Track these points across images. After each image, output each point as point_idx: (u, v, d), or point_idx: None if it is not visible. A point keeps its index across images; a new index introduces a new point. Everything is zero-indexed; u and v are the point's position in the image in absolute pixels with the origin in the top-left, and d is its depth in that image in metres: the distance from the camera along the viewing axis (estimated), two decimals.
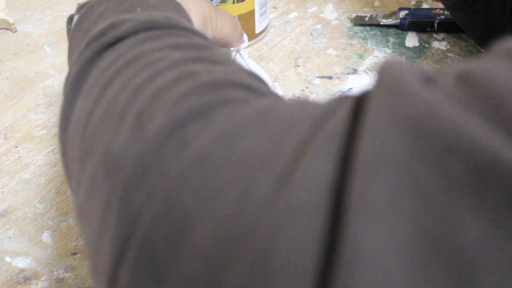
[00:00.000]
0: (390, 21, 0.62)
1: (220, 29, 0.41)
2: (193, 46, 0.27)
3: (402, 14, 0.62)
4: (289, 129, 0.19)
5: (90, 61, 0.27)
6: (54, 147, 0.50)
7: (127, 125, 0.22)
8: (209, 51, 0.27)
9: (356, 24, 0.64)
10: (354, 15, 0.64)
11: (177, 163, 0.19)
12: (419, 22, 0.62)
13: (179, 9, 0.33)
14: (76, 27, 0.33)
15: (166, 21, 0.28)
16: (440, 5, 0.66)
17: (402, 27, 0.62)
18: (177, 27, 0.29)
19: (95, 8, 0.32)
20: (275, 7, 0.67)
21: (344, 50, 0.60)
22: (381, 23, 0.62)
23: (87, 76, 0.27)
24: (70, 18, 0.36)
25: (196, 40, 0.28)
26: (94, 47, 0.27)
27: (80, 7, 0.34)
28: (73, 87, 0.29)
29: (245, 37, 0.49)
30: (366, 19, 0.63)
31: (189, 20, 0.33)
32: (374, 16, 0.64)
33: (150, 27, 0.28)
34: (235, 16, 0.57)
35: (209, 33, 0.40)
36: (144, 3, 0.31)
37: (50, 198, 0.46)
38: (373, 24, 0.63)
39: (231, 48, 0.47)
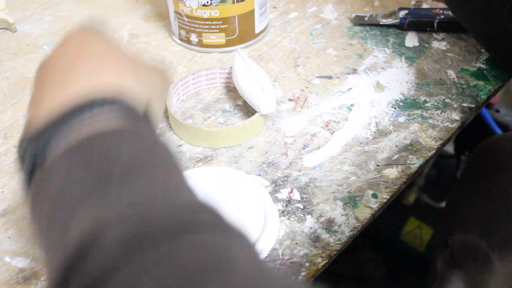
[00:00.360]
0: (390, 21, 0.62)
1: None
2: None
3: (402, 14, 0.62)
4: None
5: None
6: None
7: None
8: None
9: (355, 24, 0.64)
10: (353, 15, 0.64)
11: None
12: (419, 22, 0.62)
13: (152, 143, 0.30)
14: (35, 194, 0.29)
15: (157, 215, 0.25)
16: (440, 5, 0.66)
17: (402, 26, 0.62)
18: (169, 220, 0.25)
19: (53, 173, 0.28)
20: (274, 7, 0.67)
21: (343, 50, 0.60)
22: (381, 23, 0.62)
23: None
24: (21, 148, 0.31)
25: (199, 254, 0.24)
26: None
27: (29, 144, 0.30)
28: None
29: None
30: (366, 18, 0.63)
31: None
32: (374, 16, 0.64)
33: (141, 235, 0.24)
34: (234, 16, 0.57)
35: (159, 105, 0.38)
36: (118, 162, 0.27)
37: None
38: (372, 24, 0.63)
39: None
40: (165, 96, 0.38)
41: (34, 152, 0.30)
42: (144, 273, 0.22)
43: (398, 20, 0.62)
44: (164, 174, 0.28)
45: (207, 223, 0.25)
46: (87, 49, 0.35)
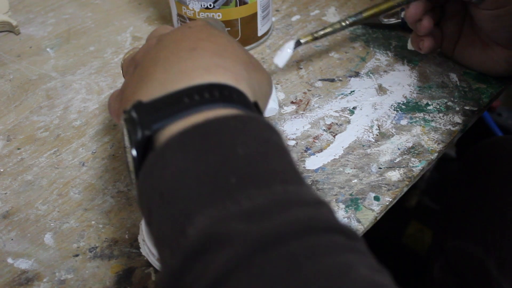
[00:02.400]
0: (392, 21, 0.62)
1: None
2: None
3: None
4: None
5: None
6: (56, 149, 0.50)
7: None
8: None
9: (358, 24, 0.64)
10: None
11: None
12: None
13: (268, 135, 0.29)
14: (145, 177, 0.28)
15: (279, 223, 0.24)
16: None
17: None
18: (294, 228, 0.24)
19: (167, 157, 0.27)
20: (277, 10, 0.67)
21: (346, 53, 0.61)
22: (383, 22, 0.62)
23: None
24: (129, 117, 0.30)
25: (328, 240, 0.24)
26: (199, 284, 0.23)
27: (140, 115, 0.30)
28: None
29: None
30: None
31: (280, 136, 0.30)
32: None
33: (263, 245, 0.23)
34: (237, 19, 0.57)
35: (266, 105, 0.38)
36: (235, 163, 0.26)
37: (52, 199, 0.46)
38: (375, 23, 0.63)
39: None
40: (267, 99, 0.38)
41: (149, 123, 0.29)
42: (261, 276, 0.22)
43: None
44: (281, 181, 0.27)
45: (325, 222, 0.25)
46: (209, 35, 0.35)
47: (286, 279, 0.22)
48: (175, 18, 0.60)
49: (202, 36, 0.35)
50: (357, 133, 0.51)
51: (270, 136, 0.29)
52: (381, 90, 0.56)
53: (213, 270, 0.23)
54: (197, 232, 0.24)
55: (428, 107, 0.53)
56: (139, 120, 0.29)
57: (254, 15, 0.58)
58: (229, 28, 0.58)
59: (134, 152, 0.29)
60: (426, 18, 0.52)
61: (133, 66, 0.37)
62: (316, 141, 0.50)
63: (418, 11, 0.52)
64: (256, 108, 0.32)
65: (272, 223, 0.24)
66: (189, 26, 0.37)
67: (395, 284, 0.24)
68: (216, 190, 0.25)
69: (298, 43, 0.53)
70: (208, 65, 0.32)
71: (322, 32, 0.53)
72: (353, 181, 0.46)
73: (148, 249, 0.38)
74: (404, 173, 0.47)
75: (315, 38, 0.53)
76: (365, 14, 0.53)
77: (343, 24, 0.53)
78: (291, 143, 0.50)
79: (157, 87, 0.31)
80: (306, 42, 0.53)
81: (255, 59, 0.37)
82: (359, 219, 0.43)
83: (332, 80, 0.57)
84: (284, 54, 0.52)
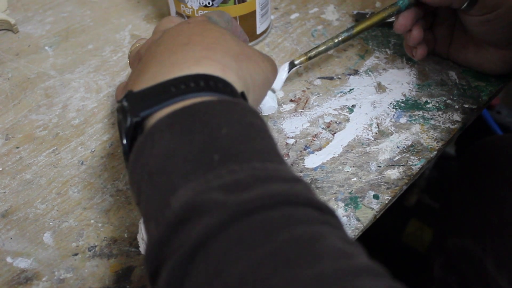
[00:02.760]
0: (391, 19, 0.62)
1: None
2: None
3: None
4: None
5: (181, 270, 0.25)
6: (55, 147, 0.50)
7: None
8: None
9: (357, 21, 0.64)
10: (355, 12, 0.65)
11: None
12: None
13: (252, 121, 0.30)
14: (136, 157, 0.30)
15: (257, 195, 0.25)
16: None
17: None
18: (269, 199, 0.25)
19: (156, 138, 0.29)
20: (276, 8, 0.67)
21: (345, 51, 0.60)
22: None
23: None
24: (121, 105, 0.32)
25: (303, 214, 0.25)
26: (181, 251, 0.25)
27: (130, 103, 0.32)
28: None
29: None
30: (367, 16, 0.63)
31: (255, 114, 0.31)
32: (375, 13, 0.63)
33: (241, 214, 0.25)
34: (236, 17, 0.57)
35: (265, 95, 0.40)
36: (218, 142, 0.28)
37: (51, 198, 0.46)
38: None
39: None
40: (264, 89, 0.39)
41: (137, 110, 0.31)
42: (239, 242, 0.24)
43: None
44: (262, 160, 0.29)
45: (301, 197, 0.26)
46: (204, 30, 0.37)
47: (261, 245, 0.23)
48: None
49: (196, 31, 0.37)
50: (356, 131, 0.51)
51: (254, 120, 0.31)
52: (380, 88, 0.55)
53: (193, 237, 0.24)
54: (180, 204, 0.26)
55: (427, 105, 0.53)
56: (129, 108, 0.31)
57: (253, 13, 0.58)
58: None
59: (124, 140, 0.31)
60: (416, 28, 0.52)
61: (138, 60, 0.40)
62: (315, 139, 0.50)
63: (408, 21, 0.51)
64: (243, 98, 0.34)
65: (250, 194, 0.25)
66: (188, 22, 0.39)
67: (368, 257, 0.25)
68: (199, 166, 0.27)
69: (292, 65, 0.53)
70: (197, 58, 0.34)
71: (315, 52, 0.53)
72: (352, 180, 0.46)
73: None
74: (403, 171, 0.47)
75: (309, 58, 0.53)
76: (356, 29, 0.53)
77: (336, 40, 0.53)
78: (290, 141, 0.50)
79: (149, 79, 0.33)
80: (301, 63, 0.53)
81: (252, 50, 0.39)
82: (359, 217, 0.43)
83: (331, 78, 0.57)
84: (280, 78, 0.52)
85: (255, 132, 0.30)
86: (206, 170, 0.27)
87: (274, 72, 0.41)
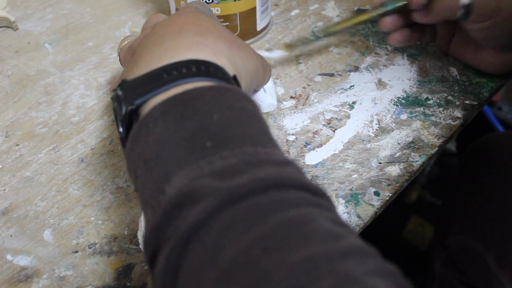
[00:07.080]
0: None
1: (262, 80, 0.43)
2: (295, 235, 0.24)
3: None
4: None
5: (176, 255, 0.25)
6: (55, 145, 0.50)
7: None
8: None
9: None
10: (356, 8, 0.65)
11: None
12: None
13: (245, 107, 0.31)
14: (132, 146, 0.31)
15: (248, 180, 0.26)
16: None
17: None
18: (259, 182, 0.26)
19: (150, 126, 0.30)
20: (276, 5, 0.67)
21: (345, 47, 0.60)
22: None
23: (178, 276, 0.25)
24: (115, 95, 0.33)
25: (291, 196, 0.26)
26: (176, 237, 0.25)
27: (124, 92, 0.32)
28: (166, 282, 0.26)
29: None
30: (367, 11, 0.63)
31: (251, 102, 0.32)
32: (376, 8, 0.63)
33: (232, 199, 0.25)
34: (236, 13, 0.57)
35: (254, 86, 0.41)
36: (210, 128, 0.29)
37: (51, 196, 0.46)
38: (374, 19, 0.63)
39: None
40: (254, 78, 0.40)
41: (131, 98, 0.32)
42: (230, 227, 0.24)
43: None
44: (253, 144, 0.29)
45: (291, 179, 0.27)
46: (195, 19, 0.38)
47: (252, 229, 0.24)
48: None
49: (188, 21, 0.37)
50: (357, 128, 0.51)
51: (245, 105, 0.31)
52: (380, 84, 0.55)
53: (187, 223, 0.25)
54: (175, 190, 0.27)
55: (428, 102, 0.53)
56: (124, 96, 0.32)
57: (253, 10, 0.58)
58: (227, 23, 0.57)
59: (120, 127, 0.32)
60: (399, 32, 0.54)
61: (131, 54, 0.40)
62: (316, 136, 0.50)
63: (392, 25, 0.54)
64: (235, 81, 0.34)
65: (242, 179, 0.26)
66: (178, 13, 0.40)
67: (360, 240, 0.25)
68: (192, 153, 0.28)
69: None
70: (189, 44, 0.34)
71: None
72: (353, 176, 0.46)
73: None
74: (404, 168, 0.47)
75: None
76: (336, 27, 0.55)
77: (318, 35, 0.55)
78: (291, 138, 0.50)
79: (143, 67, 0.33)
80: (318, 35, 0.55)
81: (243, 42, 0.40)
82: (359, 214, 0.43)
83: (332, 75, 0.57)
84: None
85: (246, 117, 0.30)
86: (199, 156, 0.28)
87: (266, 68, 0.42)
